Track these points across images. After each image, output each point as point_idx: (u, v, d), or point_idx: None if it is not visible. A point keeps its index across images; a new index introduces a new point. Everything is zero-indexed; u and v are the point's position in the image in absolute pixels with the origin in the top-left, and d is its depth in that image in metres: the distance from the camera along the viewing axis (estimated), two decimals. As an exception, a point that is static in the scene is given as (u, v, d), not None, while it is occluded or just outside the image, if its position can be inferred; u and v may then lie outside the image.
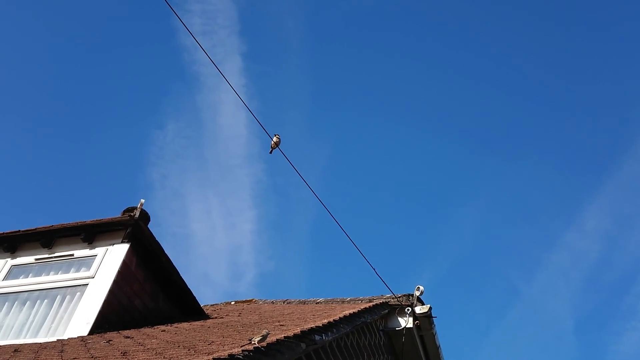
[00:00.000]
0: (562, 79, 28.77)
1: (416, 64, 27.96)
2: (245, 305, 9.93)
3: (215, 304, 10.44)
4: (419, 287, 7.45)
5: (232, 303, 10.40)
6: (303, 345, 4.49)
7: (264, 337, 3.94)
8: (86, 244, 7.07)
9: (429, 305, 7.39)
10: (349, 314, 5.99)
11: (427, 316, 7.36)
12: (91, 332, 6.04)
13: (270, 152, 6.48)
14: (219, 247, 28.38)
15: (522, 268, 31.78)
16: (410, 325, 7.28)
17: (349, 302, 8.11)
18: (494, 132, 29.84)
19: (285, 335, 4.40)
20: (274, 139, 6.35)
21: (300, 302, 9.16)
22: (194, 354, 4.05)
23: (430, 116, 29.14)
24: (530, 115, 29.64)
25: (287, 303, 9.35)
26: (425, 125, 29.42)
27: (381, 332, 7.13)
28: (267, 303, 9.81)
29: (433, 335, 7.57)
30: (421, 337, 7.56)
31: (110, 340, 5.34)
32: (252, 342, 3.91)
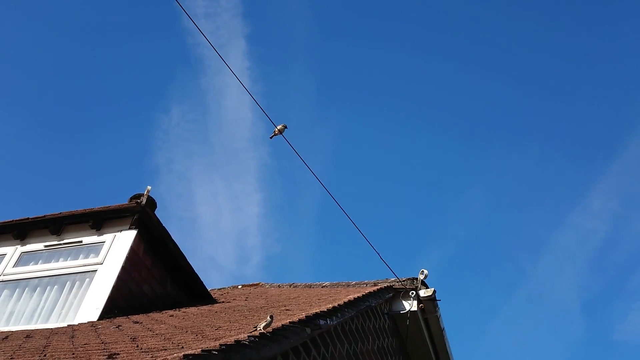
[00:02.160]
0: (567, 61, 28.57)
1: (421, 53, 27.83)
2: (252, 289, 10.05)
3: (223, 288, 10.57)
4: (423, 271, 7.53)
5: (239, 287, 10.53)
6: (308, 330, 4.58)
7: (268, 323, 4.03)
8: (94, 230, 7.18)
9: (433, 289, 7.47)
10: (354, 298, 6.08)
11: (432, 299, 7.44)
12: (101, 318, 6.16)
13: (271, 138, 6.52)
14: (225, 230, 28.58)
15: (529, 249, 31.86)
16: (414, 308, 7.36)
17: (354, 286, 8.20)
18: (500, 115, 29.76)
19: (291, 320, 4.49)
20: (279, 126, 6.38)
21: (306, 286, 9.26)
22: (201, 340, 4.16)
23: (435, 101, 29.05)
24: (536, 97, 29.49)
25: (294, 287, 9.46)
26: (430, 111, 29.36)
27: (386, 316, 7.22)
28: (273, 287, 9.93)
29: (437, 318, 7.66)
30: (425, 320, 7.65)
31: (119, 326, 5.45)
32: (258, 328, 4.00)
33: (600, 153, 30.85)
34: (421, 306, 7.45)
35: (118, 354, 3.72)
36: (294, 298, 7.45)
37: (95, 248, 7.04)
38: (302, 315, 4.80)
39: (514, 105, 29.30)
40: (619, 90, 29.16)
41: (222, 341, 3.54)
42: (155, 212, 7.26)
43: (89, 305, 6.35)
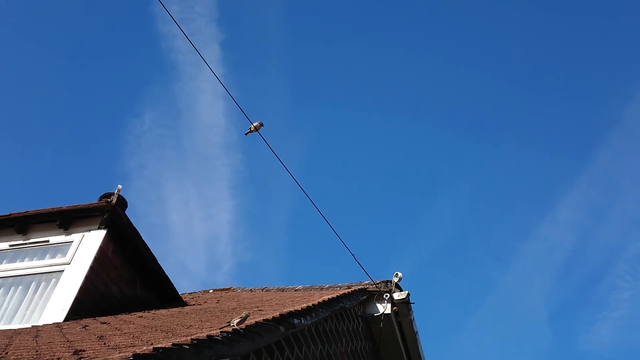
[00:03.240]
0: (537, 72, 29.07)
1: (393, 55, 28.03)
2: (223, 293, 9.89)
3: (193, 292, 10.38)
4: (397, 274, 7.49)
5: (211, 291, 10.36)
6: (282, 329, 4.49)
7: (243, 319, 3.93)
8: (62, 230, 6.98)
9: (407, 292, 7.44)
10: (328, 299, 6.00)
11: (405, 302, 7.41)
12: (67, 319, 5.97)
13: (246, 134, 6.42)
14: (196, 237, 28.25)
15: (498, 258, 32.17)
16: (388, 311, 7.32)
17: (327, 289, 8.13)
18: (473, 125, 30.08)
19: (265, 318, 4.40)
20: (256, 123, 6.29)
21: (278, 290, 9.15)
22: (172, 337, 4.03)
23: (409, 108, 29.25)
24: (507, 109, 29.91)
25: (266, 290, 9.34)
26: (403, 118, 29.53)
27: (359, 318, 7.16)
28: (245, 291, 9.79)
29: (411, 322, 7.62)
30: (399, 323, 7.61)
31: (86, 326, 5.28)
32: (231, 324, 3.90)
33: (569, 164, 31.39)
34: (395, 309, 7.41)
35: (84, 351, 3.58)
36: (266, 300, 7.34)
37: (63, 248, 6.84)
38: (276, 313, 4.71)
39: (487, 116, 29.64)
40: (587, 101, 29.74)
41: (193, 337, 3.44)
42: (125, 212, 7.10)
43: (55, 306, 6.16)
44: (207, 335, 3.43)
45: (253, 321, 4.15)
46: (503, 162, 30.72)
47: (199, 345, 3.26)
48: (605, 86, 29.10)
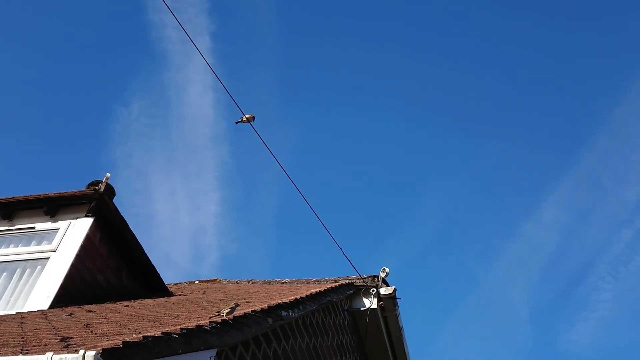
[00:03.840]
0: (525, 73, 29.24)
1: (383, 51, 28.05)
2: (209, 284, 9.86)
3: (179, 283, 10.34)
4: (384, 269, 7.51)
5: (196, 282, 10.32)
6: (270, 320, 4.49)
7: (232, 310, 3.93)
8: (48, 217, 6.91)
9: (393, 287, 7.46)
10: (315, 292, 6.01)
11: (392, 297, 7.43)
12: (52, 306, 5.92)
13: (237, 123, 6.38)
14: (182, 228, 28.15)
15: (482, 256, 32.40)
16: (374, 306, 7.34)
17: (314, 282, 8.13)
18: (461, 124, 30.21)
19: (253, 309, 4.39)
20: (248, 115, 6.26)
21: (265, 282, 9.14)
22: (159, 326, 4.01)
23: (398, 105, 29.30)
24: (496, 109, 30.06)
25: (252, 283, 9.33)
26: (393, 114, 29.58)
27: (346, 312, 7.17)
28: (231, 283, 9.77)
29: (396, 317, 7.65)
30: (385, 318, 7.63)
31: (72, 314, 5.24)
32: (221, 314, 3.89)
33: (554, 165, 31.64)
34: (381, 304, 7.43)
35: (71, 338, 3.55)
36: (253, 292, 7.33)
37: (49, 235, 6.77)
38: (265, 305, 4.70)
39: (475, 114, 29.79)
40: (574, 103, 29.97)
41: (182, 326, 3.42)
42: (113, 201, 7.04)
43: (40, 293, 6.10)
44: (197, 325, 3.42)
45: (242, 312, 4.14)
46: (490, 161, 30.90)
47: (188, 334, 3.25)
48: (592, 88, 29.35)
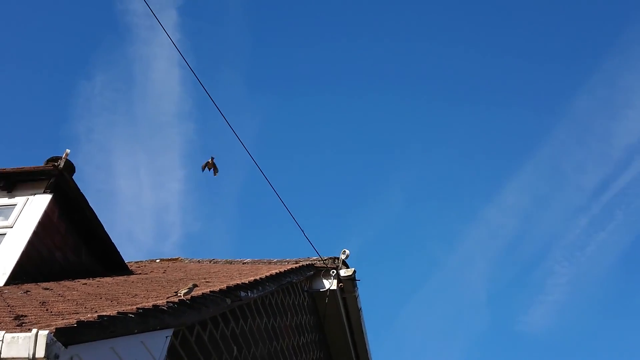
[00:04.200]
0: (492, 59, 29.61)
1: (349, 37, 28.05)
2: (170, 263, 9.84)
3: (140, 261, 10.29)
4: (344, 251, 7.60)
5: (157, 261, 10.29)
6: (228, 301, 4.53)
7: (190, 290, 3.95)
8: (5, 192, 6.77)
9: (353, 269, 7.57)
10: (275, 273, 6.06)
11: (351, 279, 7.54)
12: (7, 283, 5.84)
13: (203, 169, 6.47)
14: (145, 205, 27.86)
15: (443, 240, 32.96)
16: (334, 287, 7.44)
17: (275, 263, 8.19)
18: (426, 108, 30.50)
19: (212, 289, 4.42)
20: (209, 160, 6.32)
21: (226, 262, 9.17)
22: (116, 305, 4.01)
23: (363, 89, 29.39)
24: (457, 98, 30.44)
25: (214, 262, 9.34)
26: (357, 99, 29.67)
27: (305, 293, 7.26)
28: (193, 262, 9.76)
29: (355, 298, 7.77)
30: (344, 300, 7.75)
31: (28, 291, 5.19)
32: (178, 294, 3.92)
33: (516, 151, 32.26)
34: (341, 285, 7.54)
35: (26, 316, 3.54)
36: (214, 272, 7.35)
37: (6, 211, 6.65)
38: (223, 285, 4.74)
39: (441, 98, 30.09)
40: (536, 93, 30.51)
41: (139, 306, 3.44)
42: (73, 177, 6.94)
43: (-5, 269, 6.00)
44: (153, 305, 3.44)
45: (200, 292, 4.17)
46: (454, 146, 31.34)
47: (144, 314, 3.27)
48: (555, 78, 29.92)
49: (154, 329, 3.41)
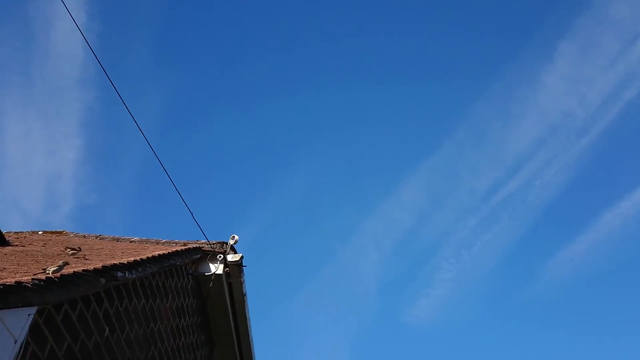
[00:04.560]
0: (394, 59, 30.50)
1: (258, 23, 27.93)
2: (53, 236, 9.47)
3: (21, 232, 9.83)
4: (233, 236, 7.65)
5: (40, 233, 9.87)
6: (102, 280, 4.47)
7: (59, 268, 3.87)
8: None
9: (240, 255, 7.64)
10: (159, 254, 6.02)
11: (238, 264, 7.61)
12: None
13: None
14: (35, 172, 26.49)
15: (341, 230, 33.71)
16: (220, 271, 7.48)
17: (163, 243, 8.11)
18: (336, 101, 30.96)
19: (85, 268, 4.35)
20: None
21: (113, 239, 8.96)
22: (-21, 279, 3.87)
23: (270, 77, 29.37)
24: (360, 96, 31.17)
25: (100, 238, 9.10)
26: (267, 84, 29.63)
27: (190, 276, 7.25)
28: (78, 236, 9.45)
29: (241, 284, 7.85)
30: (229, 284, 7.80)
31: None
32: (47, 272, 3.83)
33: (416, 150, 33.47)
34: (227, 270, 7.59)
35: None
36: (97, 249, 7.17)
37: None
38: (99, 264, 4.66)
39: (347, 96, 30.66)
40: (438, 95, 31.77)
41: (1, 282, 3.34)
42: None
43: None
44: (16, 282, 3.35)
45: (71, 270, 4.09)
46: (359, 141, 32.05)
47: (4, 290, 3.18)
48: (456, 85, 31.27)
49: (15, 306, 3.32)
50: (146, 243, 8.39)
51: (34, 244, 7.78)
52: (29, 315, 3.51)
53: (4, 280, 3.44)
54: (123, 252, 6.61)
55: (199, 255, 7.45)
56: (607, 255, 30.22)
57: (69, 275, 3.96)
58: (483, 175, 31.44)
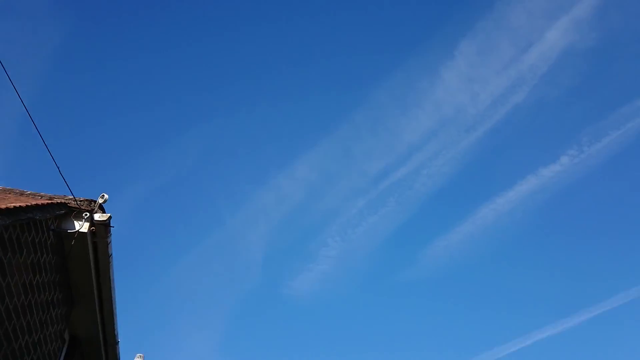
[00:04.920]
0: (295, 44, 30.58)
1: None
2: None
3: None
4: (103, 195, 7.41)
5: None
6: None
7: None
8: None
9: (109, 214, 7.42)
10: (14, 207, 5.73)
11: (105, 224, 7.39)
12: None
13: None
14: None
15: (231, 198, 33.58)
16: (84, 230, 7.24)
17: (27, 195, 7.71)
18: (230, 75, 30.56)
19: None
20: None
21: (-27, 185, 8.40)
22: None
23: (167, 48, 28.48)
24: (268, 70, 31.03)
25: (-42, 183, 8.49)
26: (170, 45, 28.68)
27: (51, 232, 6.96)
28: None
29: (107, 244, 7.64)
30: (95, 244, 7.57)
31: None
32: None
33: (314, 127, 33.87)
34: (92, 229, 7.36)
35: None
36: (-51, 194, 6.71)
37: None
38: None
39: (243, 71, 30.36)
40: (341, 76, 32.24)
41: None
42: None
43: None
44: None
45: None
46: (259, 111, 31.91)
47: None
48: (360, 69, 31.87)
49: None
50: (9, 193, 7.94)
51: None
52: None
53: None
54: (-23, 201, 6.22)
55: (63, 211, 7.15)
56: (478, 247, 32.26)
57: None
58: (376, 159, 32.42)
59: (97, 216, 7.32)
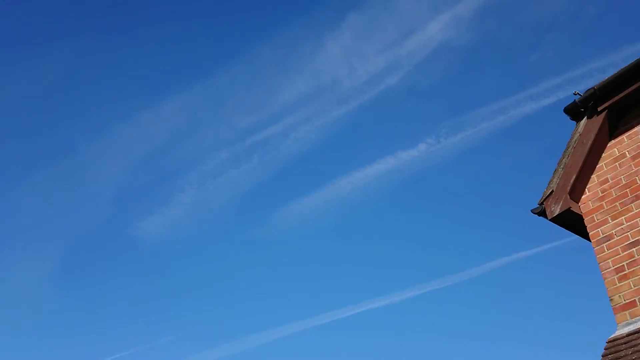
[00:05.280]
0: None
1: None
2: None
3: None
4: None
5: None
6: None
7: None
8: None
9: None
10: None
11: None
12: None
13: None
14: None
15: (89, 129, 31.67)
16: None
17: None
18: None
19: None
20: None
21: None
22: None
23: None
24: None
25: None
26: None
27: None
28: None
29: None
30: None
31: None
32: None
33: (190, 69, 32.78)
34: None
35: None
36: None
37: None
38: None
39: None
40: (230, 24, 31.41)
41: None
42: None
43: None
44: None
45: None
46: (133, 43, 30.15)
47: None
48: (247, 21, 31.18)
49: None
50: None
51: None
52: None
53: None
54: None
55: None
56: (331, 215, 33.34)
57: None
58: (247, 113, 32.07)
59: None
